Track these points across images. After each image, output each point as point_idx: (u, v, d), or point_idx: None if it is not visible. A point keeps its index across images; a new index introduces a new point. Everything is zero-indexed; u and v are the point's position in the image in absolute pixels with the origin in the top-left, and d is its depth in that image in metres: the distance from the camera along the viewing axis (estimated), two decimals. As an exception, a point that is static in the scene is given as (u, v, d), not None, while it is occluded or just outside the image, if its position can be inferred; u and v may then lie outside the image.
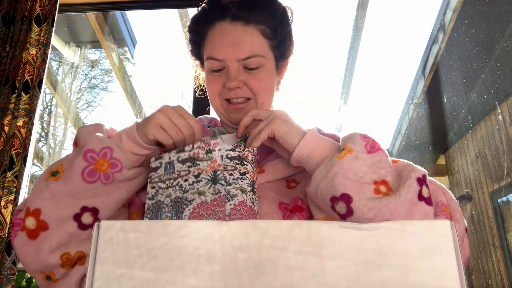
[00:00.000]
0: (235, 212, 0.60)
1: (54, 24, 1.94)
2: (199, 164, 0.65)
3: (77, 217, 0.59)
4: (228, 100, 0.76)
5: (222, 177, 0.63)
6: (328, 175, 0.57)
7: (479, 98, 4.27)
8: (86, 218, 0.59)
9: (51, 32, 1.91)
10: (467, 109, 4.52)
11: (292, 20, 0.82)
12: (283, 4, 0.81)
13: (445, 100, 4.61)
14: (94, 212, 0.60)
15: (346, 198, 0.55)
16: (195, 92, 2.01)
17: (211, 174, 0.63)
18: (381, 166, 0.59)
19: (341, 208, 0.55)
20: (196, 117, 0.96)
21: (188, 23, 0.82)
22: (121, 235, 0.25)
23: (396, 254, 0.24)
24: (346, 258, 0.24)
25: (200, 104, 1.95)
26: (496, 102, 4.01)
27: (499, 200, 4.09)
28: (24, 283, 1.93)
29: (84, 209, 0.59)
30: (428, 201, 0.56)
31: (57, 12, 1.96)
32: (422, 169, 0.60)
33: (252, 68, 0.74)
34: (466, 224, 0.63)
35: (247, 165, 0.64)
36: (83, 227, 0.59)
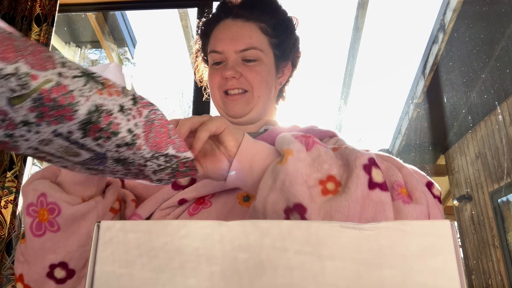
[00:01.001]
0: None
1: (54, 24, 1.94)
2: None
3: (50, 275, 0.57)
4: (226, 93, 0.78)
5: None
6: (275, 186, 0.50)
7: (479, 98, 4.27)
8: (59, 273, 0.58)
9: (51, 32, 1.91)
10: (467, 109, 4.52)
11: (296, 27, 0.85)
12: (288, 14, 0.85)
13: (445, 100, 4.61)
14: (63, 265, 0.58)
15: (299, 208, 0.48)
16: (195, 92, 2.01)
17: None
18: (323, 160, 0.52)
19: (296, 219, 0.48)
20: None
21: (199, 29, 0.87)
22: (121, 235, 0.25)
23: (396, 254, 0.24)
24: (346, 258, 0.24)
25: (200, 105, 1.95)
26: (496, 102, 4.01)
27: (499, 200, 4.09)
28: (24, 283, 1.93)
29: (52, 266, 0.57)
30: (383, 186, 0.50)
31: (57, 12, 1.96)
32: (368, 152, 0.53)
33: (249, 60, 0.77)
34: (439, 193, 0.56)
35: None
36: (60, 281, 0.58)
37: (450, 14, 3.74)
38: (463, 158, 4.86)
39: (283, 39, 0.81)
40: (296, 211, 0.48)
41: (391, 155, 0.59)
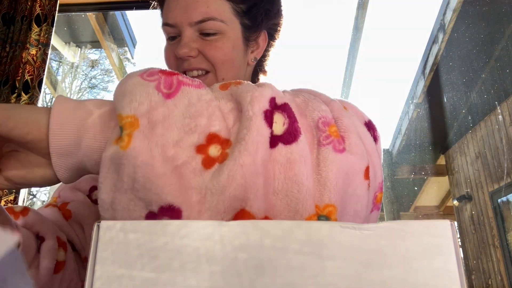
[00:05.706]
0: None
1: (54, 24, 1.94)
2: None
3: None
4: (185, 74, 0.64)
5: None
6: (122, 185, 0.33)
7: (479, 98, 4.28)
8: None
9: (51, 32, 1.91)
10: (467, 109, 4.52)
11: None
12: None
13: (445, 100, 4.62)
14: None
15: (170, 212, 0.33)
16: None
17: None
18: (197, 111, 0.35)
19: None
20: None
21: None
22: (121, 235, 0.25)
23: (396, 254, 0.24)
24: (346, 258, 0.24)
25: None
26: (496, 102, 4.02)
27: (499, 200, 4.10)
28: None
29: None
30: (286, 137, 0.35)
31: (57, 12, 1.96)
32: (269, 90, 0.38)
33: (208, 34, 0.62)
34: (378, 134, 0.45)
35: None
36: None
37: (450, 14, 3.74)
38: (463, 158, 4.86)
39: (253, 4, 0.65)
40: (166, 216, 0.33)
41: (315, 92, 0.45)
